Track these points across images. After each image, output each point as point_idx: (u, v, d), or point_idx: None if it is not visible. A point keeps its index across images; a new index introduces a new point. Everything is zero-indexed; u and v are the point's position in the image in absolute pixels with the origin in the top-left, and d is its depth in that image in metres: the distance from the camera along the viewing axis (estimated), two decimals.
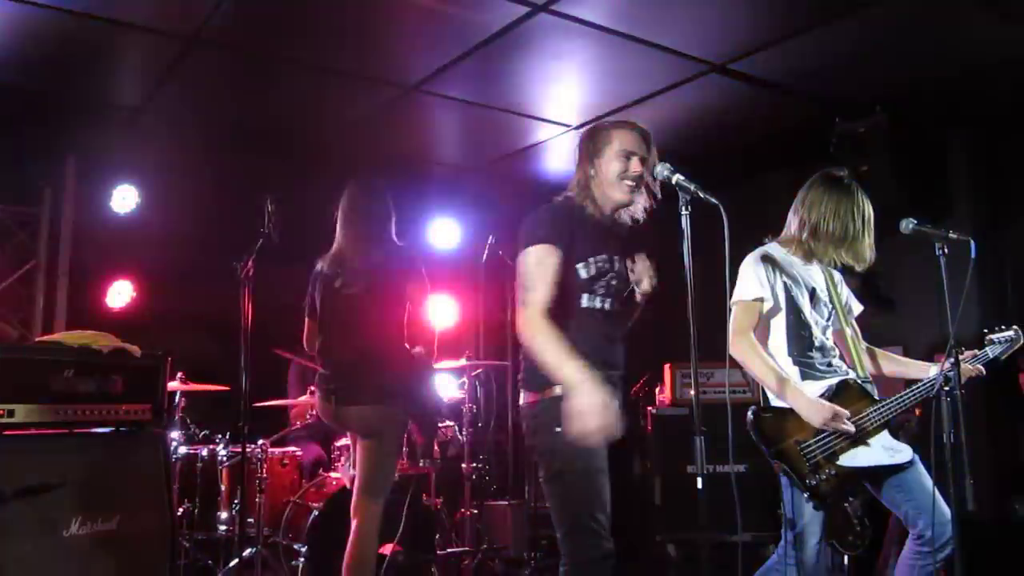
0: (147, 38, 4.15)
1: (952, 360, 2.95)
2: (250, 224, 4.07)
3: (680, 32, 4.14)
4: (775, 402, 3.03)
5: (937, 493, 2.91)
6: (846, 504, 2.92)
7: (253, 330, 4.01)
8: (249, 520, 4.61)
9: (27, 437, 3.14)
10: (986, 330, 3.27)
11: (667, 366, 5.92)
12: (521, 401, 2.86)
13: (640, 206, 2.88)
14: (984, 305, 4.94)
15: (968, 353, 3.21)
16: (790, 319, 3.08)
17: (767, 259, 3.12)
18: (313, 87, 4.80)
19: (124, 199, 5.63)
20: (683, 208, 2.47)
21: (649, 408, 6.00)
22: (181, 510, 4.69)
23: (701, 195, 2.45)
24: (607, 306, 2.83)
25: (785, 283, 3.09)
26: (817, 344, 3.10)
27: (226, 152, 5.67)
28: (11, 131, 5.20)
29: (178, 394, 4.91)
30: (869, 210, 3.14)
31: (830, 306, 3.18)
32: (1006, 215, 5.10)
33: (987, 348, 3.24)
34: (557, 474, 2.71)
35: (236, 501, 4.74)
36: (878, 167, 4.74)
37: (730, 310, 3.04)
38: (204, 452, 4.90)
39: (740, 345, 2.98)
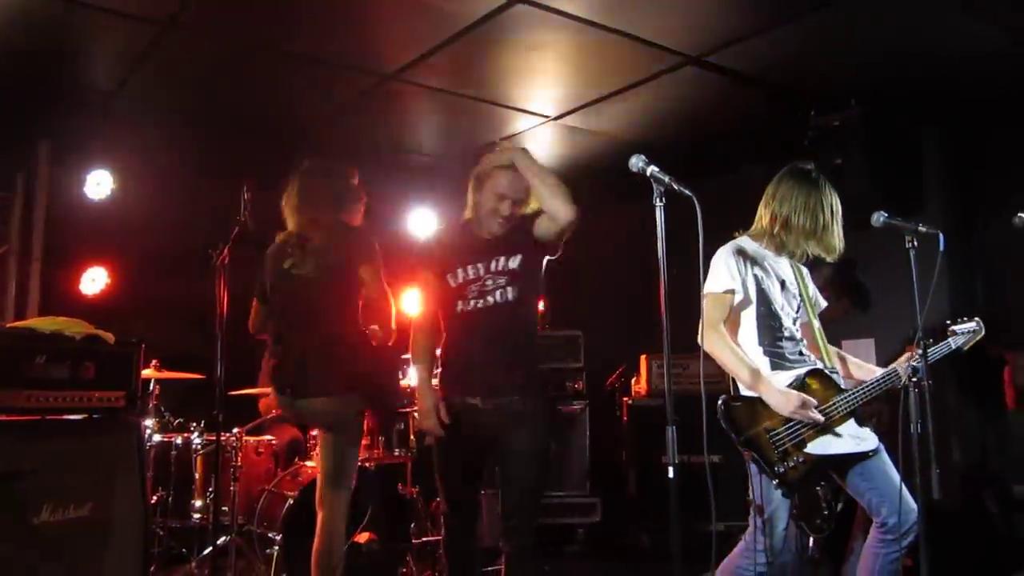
0: (122, 22, 4.11)
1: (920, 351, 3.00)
2: (226, 211, 4.03)
3: (657, 24, 4.15)
4: (744, 391, 3.08)
5: (900, 482, 2.96)
6: (817, 488, 2.97)
7: (228, 318, 3.99)
8: (223, 508, 4.60)
9: None
10: (948, 321, 3.33)
11: (643, 357, 5.96)
12: None
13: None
14: (953, 298, 5.01)
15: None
16: (760, 310, 3.13)
17: (739, 252, 3.17)
18: (290, 74, 4.77)
19: (99, 185, 5.58)
20: (657, 200, 2.49)
21: (625, 399, 6.05)
22: (155, 498, 4.67)
23: (675, 187, 2.47)
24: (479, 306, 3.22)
25: (756, 275, 3.14)
26: (787, 335, 3.15)
27: (202, 139, 5.63)
28: None
29: (152, 381, 4.87)
30: (837, 202, 3.21)
31: (799, 298, 3.24)
32: (978, 210, 5.17)
33: (950, 339, 3.29)
34: None
35: (210, 489, 4.73)
36: (853, 161, 4.79)
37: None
38: (178, 440, 4.88)
39: (710, 337, 3.04)
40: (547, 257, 3.32)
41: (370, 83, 4.87)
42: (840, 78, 4.71)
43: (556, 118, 5.39)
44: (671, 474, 2.41)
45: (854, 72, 4.66)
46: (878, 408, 3.41)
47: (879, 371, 3.25)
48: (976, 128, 5.15)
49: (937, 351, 3.23)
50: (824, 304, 3.40)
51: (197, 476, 4.88)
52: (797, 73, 4.70)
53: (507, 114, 5.33)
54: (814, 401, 2.98)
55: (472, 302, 3.23)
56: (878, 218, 3.10)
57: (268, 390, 5.33)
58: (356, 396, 3.65)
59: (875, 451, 3.05)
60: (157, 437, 4.82)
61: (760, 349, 3.12)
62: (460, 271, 3.28)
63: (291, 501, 4.36)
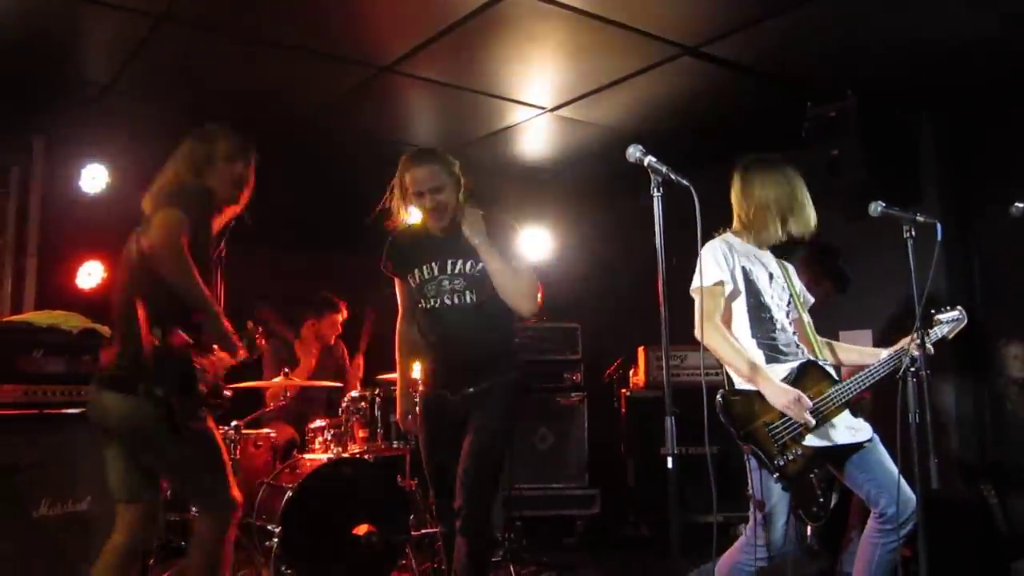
0: (116, 15, 4.09)
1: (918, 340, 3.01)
2: None
3: (653, 14, 4.13)
4: (740, 385, 3.08)
5: (899, 472, 2.97)
6: (811, 475, 2.98)
7: (225, 311, 3.97)
8: None
9: None
10: (933, 310, 3.33)
11: (641, 349, 5.96)
12: None
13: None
14: (951, 288, 5.01)
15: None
16: (751, 301, 3.14)
17: (725, 245, 3.19)
18: (285, 66, 4.75)
19: (94, 179, 5.55)
20: (655, 190, 2.49)
21: (623, 391, 6.05)
22: None
23: (673, 177, 2.47)
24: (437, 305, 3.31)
25: (744, 267, 3.16)
26: (779, 326, 3.16)
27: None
28: None
29: None
30: (798, 177, 3.26)
31: (787, 292, 3.25)
32: (975, 199, 5.16)
33: (935, 328, 3.30)
34: None
35: None
36: (849, 151, 4.77)
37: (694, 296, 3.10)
38: None
39: (707, 331, 3.03)
40: None
41: (366, 75, 4.85)
42: (837, 68, 4.70)
43: (552, 109, 5.37)
44: (670, 464, 2.41)
45: (851, 62, 4.64)
46: (860, 396, 3.42)
47: (870, 351, 3.30)
48: (973, 117, 5.14)
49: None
50: (812, 300, 3.44)
51: None
52: (793, 63, 4.69)
53: (503, 105, 5.31)
54: (810, 404, 2.98)
55: (432, 300, 3.33)
56: (876, 207, 3.10)
57: (272, 382, 5.35)
58: None
59: (869, 441, 3.06)
60: None
61: (754, 341, 3.12)
62: (417, 271, 3.39)
63: (290, 494, 4.36)
